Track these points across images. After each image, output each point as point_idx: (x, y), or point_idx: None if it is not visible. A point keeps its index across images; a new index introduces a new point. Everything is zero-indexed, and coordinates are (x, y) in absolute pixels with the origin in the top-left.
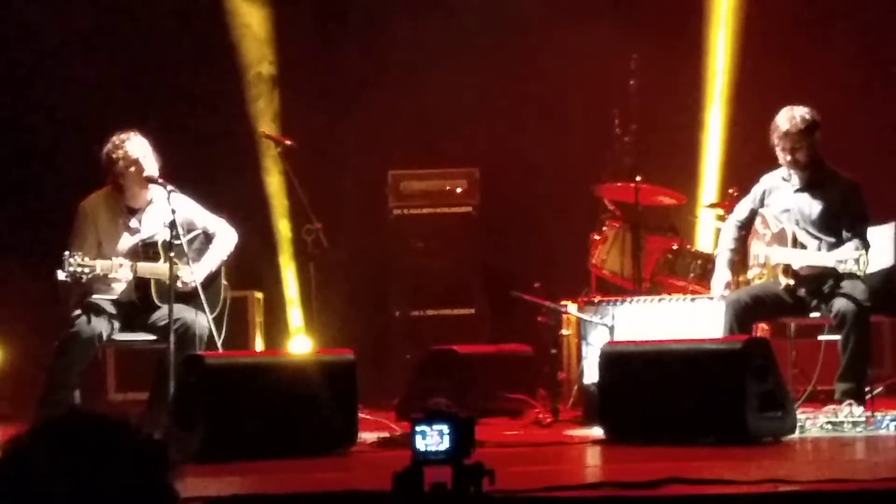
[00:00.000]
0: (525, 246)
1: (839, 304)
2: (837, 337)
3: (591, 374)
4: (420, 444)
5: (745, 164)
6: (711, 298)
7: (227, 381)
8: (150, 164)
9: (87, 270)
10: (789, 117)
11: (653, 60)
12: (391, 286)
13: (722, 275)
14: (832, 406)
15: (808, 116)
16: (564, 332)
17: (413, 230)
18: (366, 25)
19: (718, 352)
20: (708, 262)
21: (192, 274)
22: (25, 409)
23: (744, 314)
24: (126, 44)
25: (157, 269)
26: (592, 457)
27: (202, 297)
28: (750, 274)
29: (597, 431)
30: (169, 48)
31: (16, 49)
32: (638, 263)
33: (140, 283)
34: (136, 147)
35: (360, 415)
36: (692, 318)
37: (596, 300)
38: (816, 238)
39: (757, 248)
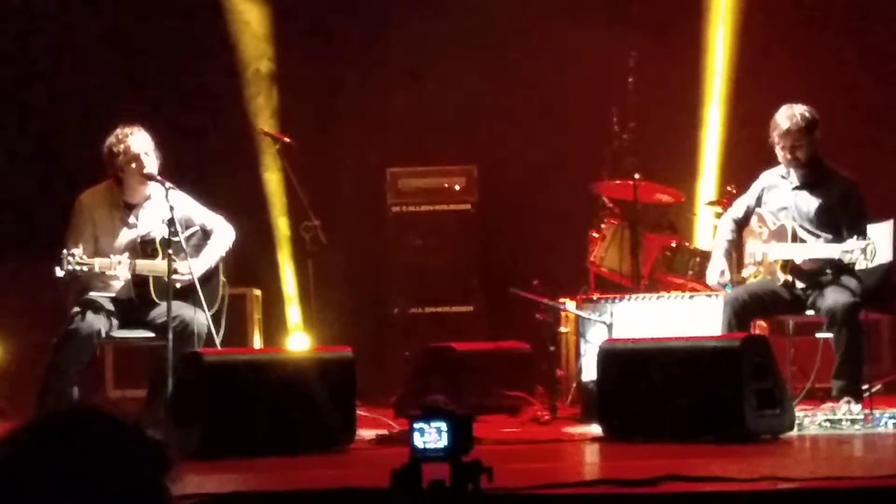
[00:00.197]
0: (523, 243)
1: (829, 300)
2: (831, 335)
3: (589, 372)
4: (418, 441)
5: (744, 161)
6: (710, 296)
7: (225, 379)
8: (151, 162)
9: (85, 269)
10: (789, 115)
11: (651, 58)
12: (390, 283)
13: (717, 262)
14: (830, 403)
15: (807, 115)
16: (563, 329)
17: (411, 227)
18: (364, 23)
19: (717, 349)
20: (706, 259)
21: (191, 271)
22: (24, 406)
23: (742, 312)
24: (125, 40)
25: (155, 266)
26: (591, 454)
27: (200, 293)
28: (745, 272)
29: (595, 429)
30: (168, 44)
31: (15, 47)
32: (636, 261)
33: (139, 281)
34: (139, 143)
35: (359, 412)
36: (690, 316)
37: (594, 297)
38: (815, 235)
39: (753, 247)
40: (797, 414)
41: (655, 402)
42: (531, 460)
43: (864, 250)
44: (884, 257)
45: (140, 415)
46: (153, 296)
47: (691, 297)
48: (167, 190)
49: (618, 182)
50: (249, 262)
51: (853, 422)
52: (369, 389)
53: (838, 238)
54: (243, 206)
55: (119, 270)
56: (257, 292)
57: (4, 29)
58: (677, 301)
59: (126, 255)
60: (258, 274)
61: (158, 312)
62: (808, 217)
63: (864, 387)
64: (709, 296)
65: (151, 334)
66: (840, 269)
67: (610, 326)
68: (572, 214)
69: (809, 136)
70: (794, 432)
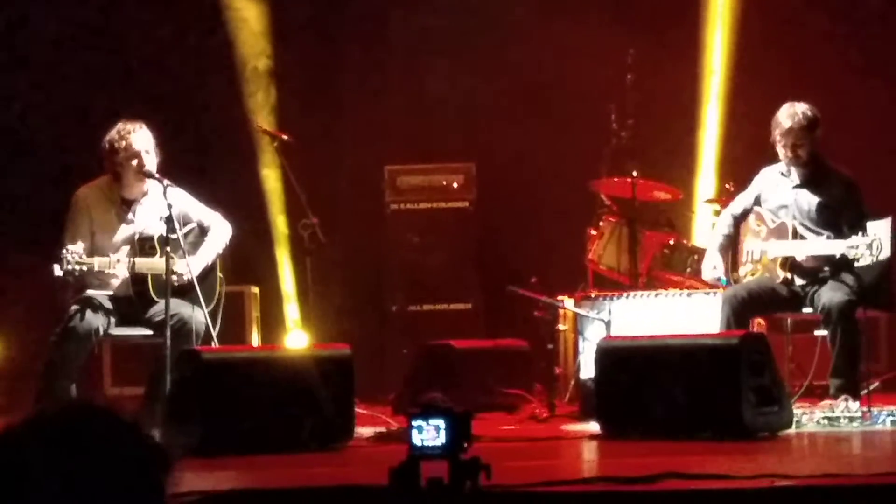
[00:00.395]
0: (522, 241)
1: (824, 298)
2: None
3: (587, 369)
4: (416, 438)
5: (742, 159)
6: (708, 293)
7: (223, 376)
8: (151, 160)
9: (84, 268)
10: (791, 113)
11: (649, 55)
12: (388, 281)
13: (710, 256)
14: (828, 401)
15: (809, 113)
16: (561, 326)
17: (410, 225)
18: (363, 20)
19: (715, 347)
20: (704, 257)
21: (189, 267)
22: (22, 404)
23: (741, 309)
24: (123, 37)
25: (154, 264)
26: (589, 451)
27: (198, 290)
28: (742, 271)
29: (593, 426)
30: (166, 42)
31: (14, 44)
32: (634, 258)
33: (137, 279)
34: (141, 140)
35: (357, 409)
36: (689, 313)
37: (592, 295)
38: (816, 233)
39: (751, 244)
40: (795, 411)
41: (653, 399)
42: (529, 458)
43: (869, 246)
44: (882, 255)
45: (138, 412)
46: (152, 294)
47: (689, 294)
48: (165, 188)
49: (616, 180)
50: (247, 259)
51: (851, 419)
52: (367, 387)
53: (839, 236)
54: (241, 203)
55: (118, 269)
56: (255, 290)
57: (3, 27)
58: (675, 298)
59: (124, 251)
60: (256, 271)
61: (157, 310)
62: (809, 215)
63: (862, 384)
64: (707, 293)
65: (149, 332)
66: (839, 266)
67: (608, 324)
68: (570, 212)
69: (811, 135)
70: (793, 430)
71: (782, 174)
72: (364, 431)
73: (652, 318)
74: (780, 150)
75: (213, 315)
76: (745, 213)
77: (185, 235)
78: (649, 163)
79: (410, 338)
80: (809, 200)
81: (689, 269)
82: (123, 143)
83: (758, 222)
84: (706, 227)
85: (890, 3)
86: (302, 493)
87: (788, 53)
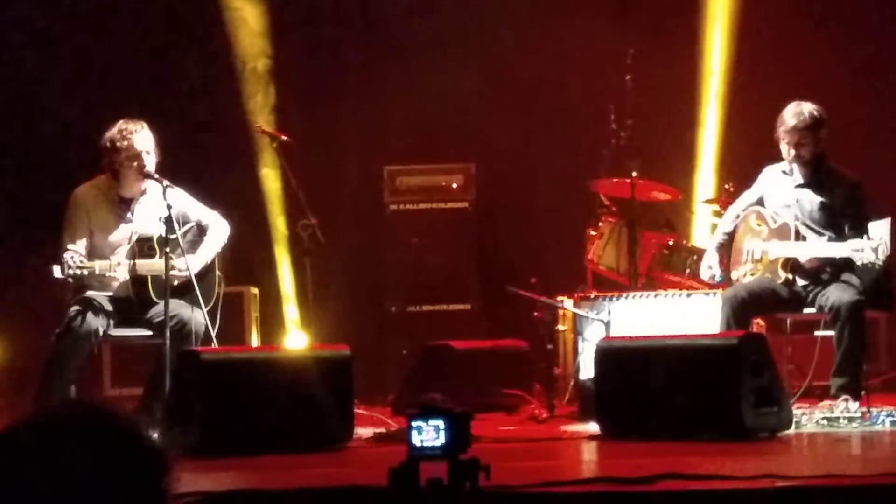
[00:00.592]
0: (521, 241)
1: (833, 297)
2: (833, 332)
3: (587, 370)
4: (416, 439)
5: (742, 159)
6: (707, 294)
7: (222, 377)
8: (151, 160)
9: (86, 272)
10: (797, 112)
11: (649, 56)
12: (387, 282)
13: (709, 256)
14: (828, 401)
15: (815, 113)
16: (560, 327)
17: (409, 226)
18: (362, 21)
19: (714, 347)
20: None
21: (188, 267)
22: (22, 404)
23: (740, 310)
24: (122, 38)
25: (154, 265)
26: (588, 452)
27: (198, 291)
28: (742, 270)
29: (593, 427)
30: (165, 43)
31: (13, 44)
32: (634, 259)
33: (137, 280)
34: (142, 141)
35: (356, 410)
36: (688, 314)
37: (592, 295)
38: (818, 233)
39: (751, 244)
40: (795, 412)
41: (653, 400)
42: (529, 458)
43: (875, 249)
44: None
45: (137, 413)
46: (151, 295)
47: (689, 295)
48: (165, 189)
49: (615, 180)
50: (247, 260)
51: (851, 420)
52: (367, 388)
53: (840, 237)
54: (241, 204)
55: (119, 271)
56: (255, 290)
57: (3, 28)
58: (675, 299)
59: (122, 250)
60: (256, 272)
61: (156, 311)
62: (811, 215)
63: (862, 384)
64: (706, 294)
65: (149, 333)
66: (841, 267)
67: (607, 324)
68: (570, 212)
69: (815, 135)
70: (792, 430)
71: (784, 173)
72: (363, 432)
73: (651, 319)
74: (784, 148)
75: (211, 314)
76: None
77: (184, 234)
78: (649, 163)
79: (410, 338)
80: (811, 200)
81: (688, 270)
82: (126, 142)
83: (759, 221)
84: (705, 228)
85: (890, 2)
86: (301, 494)
87: (788, 53)
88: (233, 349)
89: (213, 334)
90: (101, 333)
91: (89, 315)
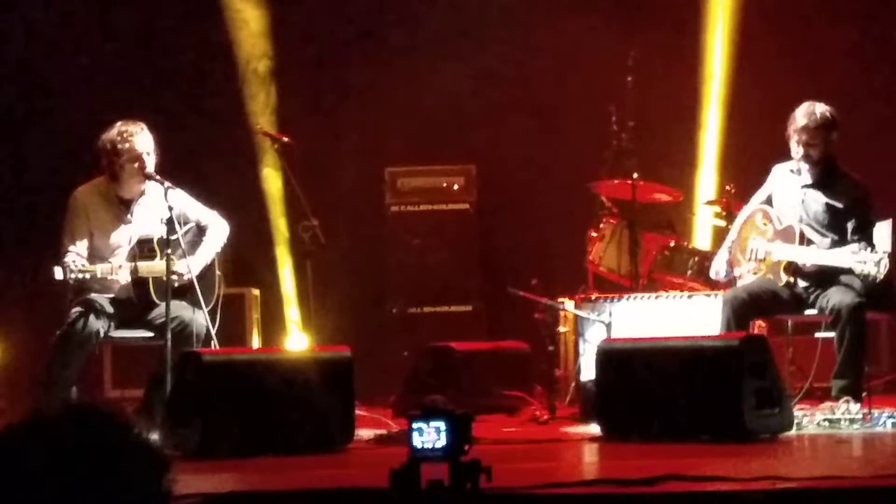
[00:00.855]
0: (522, 243)
1: (834, 299)
2: (834, 334)
3: (588, 371)
4: (417, 440)
5: (743, 160)
6: (709, 295)
7: (224, 378)
8: (151, 161)
9: (87, 275)
10: (809, 112)
11: (650, 57)
12: (388, 283)
13: (722, 253)
14: (829, 403)
15: (828, 114)
16: (561, 328)
17: (410, 227)
18: (363, 22)
19: (715, 349)
20: (705, 259)
21: (189, 268)
22: (22, 406)
23: (741, 311)
24: (124, 39)
25: (154, 267)
26: (589, 454)
27: (198, 292)
28: (745, 268)
29: (594, 428)
30: (167, 44)
31: (12, 46)
32: (635, 260)
33: (138, 281)
34: (143, 142)
35: (357, 412)
36: (689, 315)
37: (593, 297)
38: (821, 234)
39: (756, 243)
40: (796, 413)
41: (654, 401)
42: (530, 460)
43: (878, 263)
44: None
45: (138, 415)
46: (153, 296)
47: (690, 296)
48: (166, 190)
49: (616, 181)
50: (248, 261)
51: (852, 421)
52: (368, 389)
53: (843, 240)
54: (242, 205)
55: (120, 274)
56: (256, 292)
57: (3, 28)
58: (676, 301)
59: (122, 252)
60: (257, 273)
61: (158, 313)
62: (816, 216)
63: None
64: (707, 295)
65: (150, 334)
66: (843, 269)
67: (609, 326)
68: (571, 214)
69: (826, 136)
70: (793, 432)
71: (792, 171)
72: (364, 433)
73: (652, 320)
74: (793, 147)
75: (212, 314)
76: None
77: (184, 235)
78: (650, 164)
79: (411, 340)
80: (817, 200)
81: (689, 271)
82: (126, 144)
83: (764, 221)
84: (706, 229)
85: (892, 5)
86: (302, 496)
87: (789, 56)
88: (234, 350)
89: (214, 333)
90: (102, 335)
91: (90, 317)
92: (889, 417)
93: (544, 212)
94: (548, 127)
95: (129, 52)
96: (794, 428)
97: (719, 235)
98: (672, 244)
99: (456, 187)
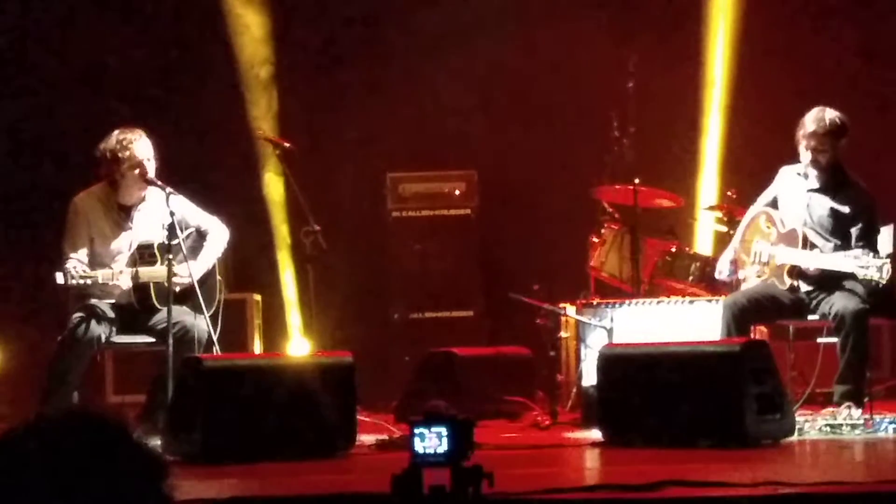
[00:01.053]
0: (523, 248)
1: (838, 305)
2: (836, 339)
3: (589, 377)
4: (418, 446)
5: (744, 166)
6: (710, 301)
7: (225, 384)
8: (152, 167)
9: (88, 281)
10: (818, 118)
11: (651, 62)
12: (390, 288)
13: (727, 254)
14: (831, 408)
15: (837, 121)
16: (563, 334)
17: (411, 232)
18: (365, 27)
19: (717, 354)
20: (706, 264)
21: (190, 273)
22: (24, 411)
23: (741, 316)
24: (124, 43)
25: (155, 272)
26: (591, 459)
27: (200, 297)
28: (749, 270)
29: (595, 434)
30: (168, 49)
31: (14, 49)
32: (636, 266)
33: (139, 287)
34: (143, 149)
35: (359, 417)
36: (691, 321)
37: (594, 302)
38: (825, 239)
39: (759, 246)
40: (797, 419)
41: (656, 406)
42: (531, 465)
43: (879, 269)
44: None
45: (140, 420)
46: (154, 301)
47: (691, 301)
48: (167, 195)
49: (618, 187)
50: (250, 267)
51: (853, 427)
52: (370, 394)
53: (846, 246)
54: (244, 211)
55: (121, 280)
56: (257, 297)
57: (4, 29)
58: (677, 306)
59: (123, 258)
60: (258, 279)
61: (159, 318)
62: (820, 221)
63: (865, 392)
64: (709, 301)
65: (152, 340)
66: (846, 274)
67: (610, 331)
68: (572, 219)
69: (834, 142)
70: (795, 437)
71: (799, 174)
72: (366, 439)
73: (654, 326)
74: (801, 151)
75: (213, 319)
76: None
77: (184, 240)
78: (651, 170)
79: (412, 345)
80: (822, 205)
81: (691, 277)
82: (127, 152)
83: (768, 224)
84: (708, 235)
85: (894, 8)
86: (304, 501)
87: (791, 61)
88: (235, 356)
89: (216, 339)
90: (103, 341)
91: (92, 322)
92: (891, 423)
93: (546, 217)
94: (549, 132)
95: (131, 57)
96: (796, 433)
97: (721, 241)
98: (673, 250)
99: (457, 193)
